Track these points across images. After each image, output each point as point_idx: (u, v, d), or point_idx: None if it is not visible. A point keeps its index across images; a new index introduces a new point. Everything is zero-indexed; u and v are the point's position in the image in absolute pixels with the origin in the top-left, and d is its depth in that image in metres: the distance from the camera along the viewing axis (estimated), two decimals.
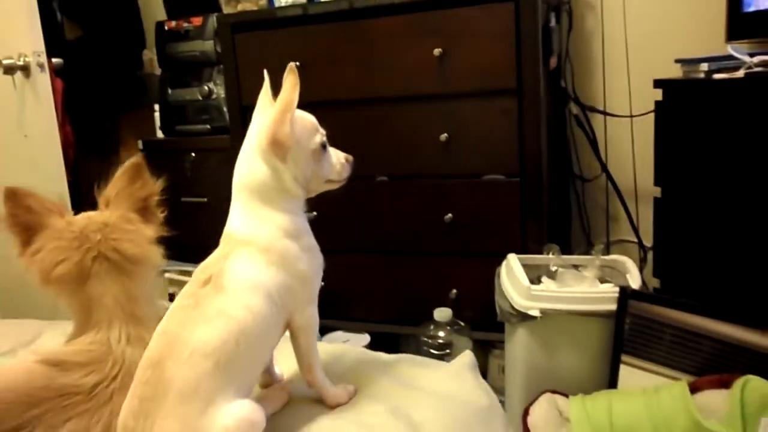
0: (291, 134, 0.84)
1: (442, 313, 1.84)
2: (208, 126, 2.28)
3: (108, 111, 2.50)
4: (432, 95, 1.86)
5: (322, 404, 0.88)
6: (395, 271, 2.00)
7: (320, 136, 0.90)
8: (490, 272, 1.73)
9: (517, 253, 1.73)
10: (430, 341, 1.87)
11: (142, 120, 2.47)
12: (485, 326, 1.83)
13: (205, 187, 2.18)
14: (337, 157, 0.93)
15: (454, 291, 1.91)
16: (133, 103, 2.55)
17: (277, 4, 2.03)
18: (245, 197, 0.85)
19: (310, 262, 0.86)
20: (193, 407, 0.72)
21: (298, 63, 1.98)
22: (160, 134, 2.40)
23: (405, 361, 1.01)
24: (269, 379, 0.92)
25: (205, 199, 2.18)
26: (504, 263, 1.72)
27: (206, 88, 2.25)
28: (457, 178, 1.89)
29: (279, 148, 0.83)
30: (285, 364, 0.96)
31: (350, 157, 0.94)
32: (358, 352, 1.02)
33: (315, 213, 1.75)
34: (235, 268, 0.79)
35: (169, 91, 2.31)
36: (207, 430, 0.71)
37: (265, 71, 1.00)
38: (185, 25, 2.26)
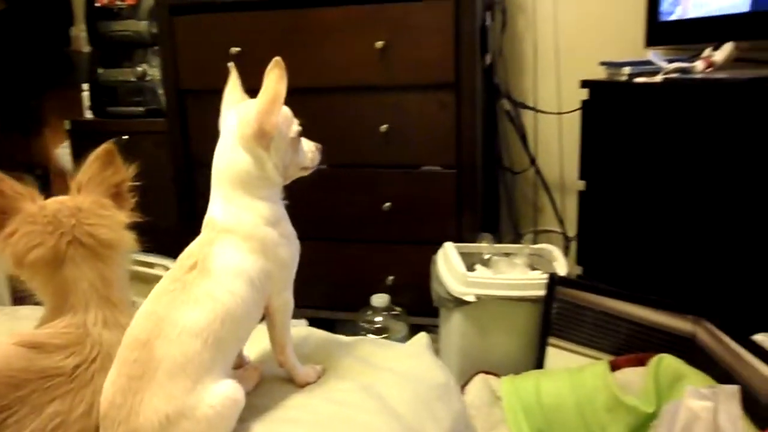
0: (276, 125, 0.87)
1: (379, 299, 1.91)
2: (142, 108, 2.22)
3: (33, 88, 2.39)
4: (374, 86, 1.91)
5: (292, 383, 0.92)
6: (334, 258, 2.04)
7: (296, 125, 0.93)
8: (425, 260, 1.81)
9: (452, 241, 1.82)
10: (367, 326, 1.93)
11: (69, 99, 2.38)
12: (420, 311, 1.91)
13: (139, 170, 2.13)
14: (308, 145, 0.97)
15: (391, 277, 1.98)
16: (59, 81, 2.45)
17: None
18: (227, 186, 0.87)
19: (289, 249, 0.90)
20: (182, 385, 0.74)
21: (239, 49, 1.99)
22: (89, 115, 2.32)
23: (365, 342, 1.06)
24: (239, 361, 0.95)
25: (139, 183, 2.13)
26: (441, 251, 1.80)
27: (140, 69, 2.20)
28: (396, 168, 1.95)
29: (264, 137, 0.86)
30: (250, 348, 0.99)
31: (320, 145, 0.99)
32: (322, 334, 1.07)
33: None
34: (220, 254, 0.82)
35: (100, 70, 2.24)
36: (194, 407, 0.74)
37: (231, 64, 1.02)
38: (118, 3, 2.19)
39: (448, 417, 0.92)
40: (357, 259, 2.02)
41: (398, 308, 1.94)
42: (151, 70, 2.20)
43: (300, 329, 1.07)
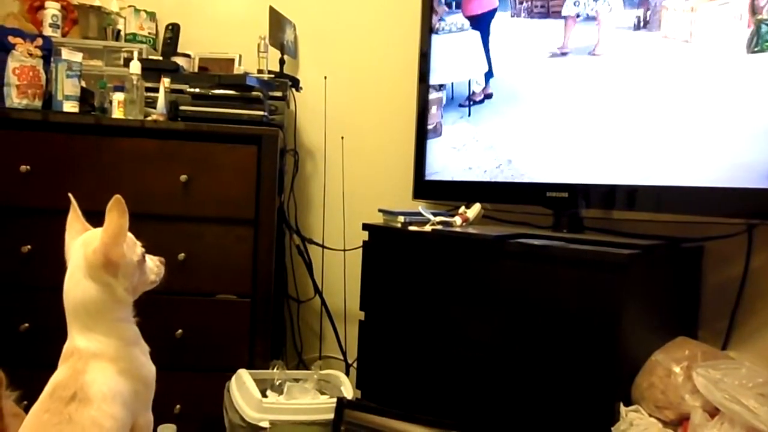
0: (123, 254, 0.94)
1: (166, 430, 1.87)
2: None
3: None
4: (174, 216, 1.97)
5: None
6: None
7: (140, 248, 1.01)
8: (216, 387, 1.85)
9: (244, 368, 1.89)
10: None
11: None
12: None
13: None
14: (153, 260, 1.05)
15: (179, 406, 1.96)
16: None
17: (9, 104, 1.95)
18: (84, 316, 0.91)
19: (151, 366, 0.96)
20: None
21: (28, 167, 1.93)
22: None
23: None
24: None
25: None
26: (234, 378, 1.85)
27: None
28: (191, 295, 1.99)
29: (111, 266, 0.93)
30: None
31: (162, 259, 1.08)
32: None
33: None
34: (95, 381, 0.86)
35: None
36: None
37: (71, 195, 1.07)
38: None
39: None
40: None
41: None
42: None
43: None
